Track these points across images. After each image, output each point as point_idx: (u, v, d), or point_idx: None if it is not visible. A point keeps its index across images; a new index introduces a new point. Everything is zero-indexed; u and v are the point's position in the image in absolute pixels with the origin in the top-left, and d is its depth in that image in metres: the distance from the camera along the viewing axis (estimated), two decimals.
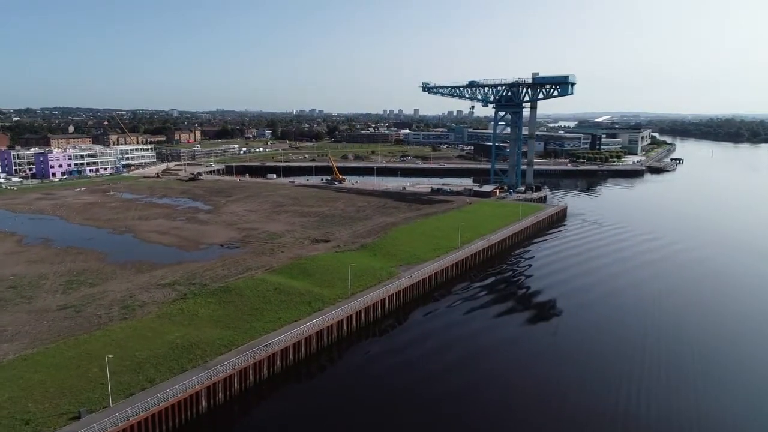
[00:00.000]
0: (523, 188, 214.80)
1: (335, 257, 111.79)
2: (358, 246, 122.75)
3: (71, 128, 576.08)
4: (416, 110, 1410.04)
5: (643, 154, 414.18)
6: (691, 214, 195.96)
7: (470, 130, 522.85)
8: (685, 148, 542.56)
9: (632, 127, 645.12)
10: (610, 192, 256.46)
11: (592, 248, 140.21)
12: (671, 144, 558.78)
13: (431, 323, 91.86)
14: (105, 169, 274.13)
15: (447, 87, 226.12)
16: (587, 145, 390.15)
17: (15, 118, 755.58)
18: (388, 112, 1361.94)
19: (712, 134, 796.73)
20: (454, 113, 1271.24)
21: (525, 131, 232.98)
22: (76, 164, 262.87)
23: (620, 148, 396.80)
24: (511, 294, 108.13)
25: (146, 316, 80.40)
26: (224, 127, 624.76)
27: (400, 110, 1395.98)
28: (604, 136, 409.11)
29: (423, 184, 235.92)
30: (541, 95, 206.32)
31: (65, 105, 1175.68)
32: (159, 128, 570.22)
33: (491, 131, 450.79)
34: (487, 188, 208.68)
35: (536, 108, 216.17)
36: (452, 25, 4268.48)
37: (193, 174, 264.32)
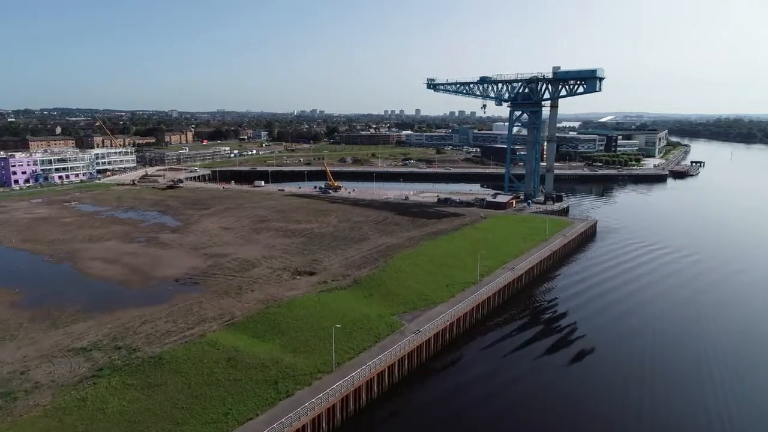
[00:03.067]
0: (542, 198, 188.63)
1: (319, 301, 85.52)
2: (350, 281, 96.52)
3: (58, 129, 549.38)
4: (418, 110, 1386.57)
5: (661, 157, 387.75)
6: (750, 231, 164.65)
7: (475, 131, 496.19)
8: (698, 150, 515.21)
9: (638, 126, 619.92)
10: (638, 200, 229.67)
11: (652, 281, 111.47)
12: (686, 145, 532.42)
13: (454, 419, 64.41)
14: (76, 175, 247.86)
15: (455, 84, 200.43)
16: (602, 147, 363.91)
17: (10, 119, 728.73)
18: (389, 113, 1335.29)
19: (722, 135, 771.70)
20: (456, 113, 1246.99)
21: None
22: (42, 170, 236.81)
23: (637, 150, 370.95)
24: (563, 357, 78.84)
25: (27, 413, 54.25)
26: (219, 128, 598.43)
27: (401, 110, 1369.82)
28: (620, 137, 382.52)
29: (428, 192, 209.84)
30: (563, 92, 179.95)
31: (65, 106, 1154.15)
32: (151, 129, 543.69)
33: (498, 132, 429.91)
34: (501, 198, 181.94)
35: (557, 107, 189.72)
36: (452, 25, 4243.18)
37: (173, 181, 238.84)
